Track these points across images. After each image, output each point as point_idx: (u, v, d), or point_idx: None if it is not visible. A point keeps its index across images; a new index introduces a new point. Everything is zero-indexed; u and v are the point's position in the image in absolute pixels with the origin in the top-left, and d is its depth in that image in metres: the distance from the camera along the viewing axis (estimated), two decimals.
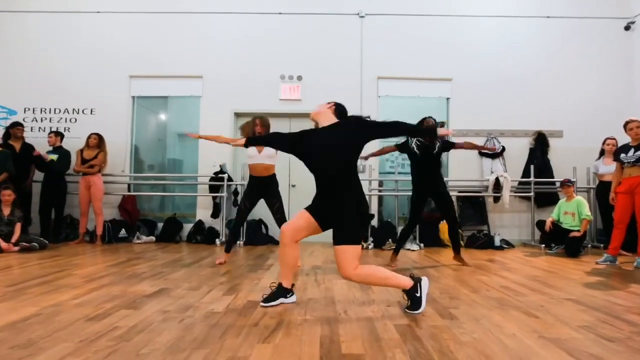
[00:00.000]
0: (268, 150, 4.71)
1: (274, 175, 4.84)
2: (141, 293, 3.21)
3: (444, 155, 5.27)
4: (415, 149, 4.78)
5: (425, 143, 4.77)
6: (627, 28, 7.45)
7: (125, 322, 2.47)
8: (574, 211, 5.98)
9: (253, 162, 4.75)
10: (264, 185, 4.76)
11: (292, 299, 2.99)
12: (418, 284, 2.76)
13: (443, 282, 3.88)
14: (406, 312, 2.75)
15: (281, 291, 2.94)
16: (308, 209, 2.88)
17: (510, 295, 3.31)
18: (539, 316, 2.71)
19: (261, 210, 7.09)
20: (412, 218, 4.91)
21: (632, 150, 4.98)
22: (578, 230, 5.84)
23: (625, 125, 5.08)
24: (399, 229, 6.88)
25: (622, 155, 5.06)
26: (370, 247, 6.54)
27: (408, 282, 2.76)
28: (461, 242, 5.59)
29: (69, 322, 2.45)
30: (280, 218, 4.74)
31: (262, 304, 2.85)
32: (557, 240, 6.14)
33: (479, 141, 7.35)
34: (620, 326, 2.50)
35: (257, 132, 4.75)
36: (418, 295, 2.74)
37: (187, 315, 2.63)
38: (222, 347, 2.09)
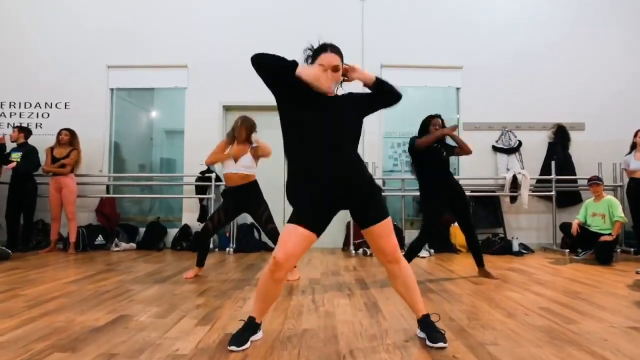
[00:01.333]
0: (245, 160, 4.05)
1: (253, 182, 4.12)
2: (91, 325, 2.53)
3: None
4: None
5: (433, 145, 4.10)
6: None
7: None
8: (604, 212, 5.31)
9: (228, 171, 4.07)
10: (242, 195, 4.06)
11: (259, 334, 2.30)
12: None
13: (467, 301, 3.20)
14: (430, 345, 2.14)
15: (253, 327, 2.25)
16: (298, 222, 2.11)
17: (558, 322, 2.64)
18: (608, 357, 2.03)
19: None
20: (428, 229, 4.18)
21: None
22: (610, 234, 5.17)
23: None
24: (406, 233, 6.24)
25: None
26: (369, 252, 5.87)
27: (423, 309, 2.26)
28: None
29: None
30: (272, 229, 4.03)
31: (230, 347, 2.13)
32: (584, 245, 5.48)
33: (495, 135, 6.72)
34: None
35: (235, 133, 4.18)
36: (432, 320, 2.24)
37: None
38: None
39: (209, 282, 3.89)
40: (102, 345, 2.18)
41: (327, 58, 2.18)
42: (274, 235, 3.96)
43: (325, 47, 2.24)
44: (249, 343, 2.17)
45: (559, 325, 2.56)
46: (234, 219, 4.40)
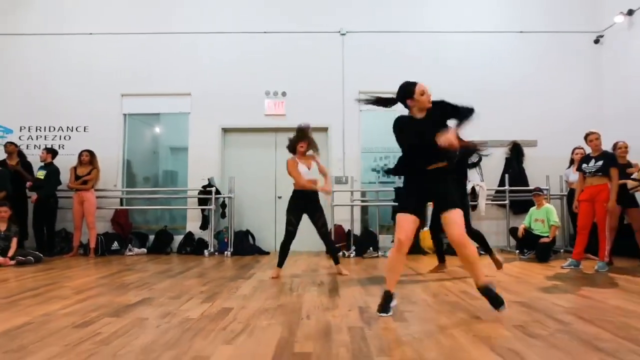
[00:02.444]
0: (315, 169, 4.92)
1: (317, 191, 4.93)
2: (125, 303, 3.50)
3: None
4: None
5: None
6: (596, 41, 7.80)
7: (108, 328, 2.76)
8: (544, 218, 6.29)
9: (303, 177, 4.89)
10: (308, 200, 4.86)
11: (395, 302, 3.15)
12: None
13: (409, 288, 4.17)
14: (495, 311, 3.04)
15: (389, 297, 3.12)
16: (407, 210, 3.09)
17: (466, 299, 3.61)
18: (483, 318, 3.00)
19: (248, 221, 7.43)
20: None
21: (593, 160, 5.29)
22: (548, 236, 6.14)
23: (585, 137, 5.40)
24: (380, 237, 7.20)
25: (584, 165, 5.38)
26: (352, 255, 6.83)
27: (486, 279, 3.13)
28: None
29: (56, 330, 2.73)
30: (324, 232, 4.91)
31: (380, 314, 3.03)
32: (529, 246, 6.44)
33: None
34: (550, 325, 2.80)
35: (299, 148, 4.93)
36: (493, 289, 3.10)
37: (164, 322, 2.92)
38: (189, 348, 2.38)
39: (210, 278, 4.85)
40: (136, 313, 3.15)
41: (422, 86, 3.23)
42: (326, 236, 4.91)
43: (414, 83, 3.27)
44: (391, 310, 3.06)
45: (465, 302, 3.53)
46: (300, 219, 4.92)
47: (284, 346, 2.42)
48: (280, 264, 4.89)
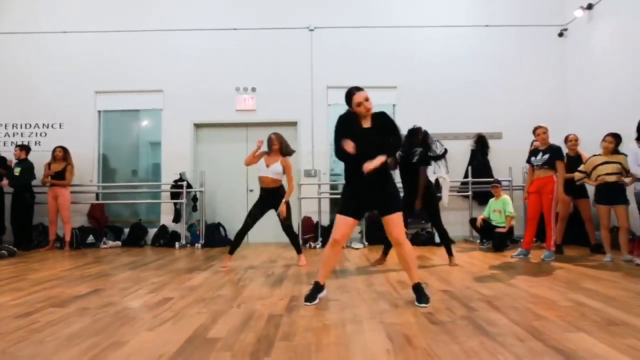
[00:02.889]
0: (275, 167, 5.06)
1: (280, 187, 5.14)
2: (76, 294, 3.72)
3: None
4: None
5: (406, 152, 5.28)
6: (560, 35, 7.95)
7: (46, 318, 2.98)
8: (501, 209, 6.50)
9: (261, 174, 5.10)
10: (271, 196, 5.09)
11: (324, 292, 3.41)
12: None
13: (351, 278, 4.39)
14: (416, 305, 3.19)
15: (319, 288, 3.36)
16: (347, 213, 3.26)
17: (397, 289, 3.83)
18: (399, 305, 3.22)
19: (221, 213, 7.66)
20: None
21: (540, 154, 5.48)
22: (504, 227, 6.36)
23: (534, 131, 5.59)
24: None
25: (532, 158, 5.57)
26: (318, 246, 7.05)
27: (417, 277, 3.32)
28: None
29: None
30: (287, 226, 5.16)
31: (305, 303, 3.26)
32: (488, 237, 6.66)
33: None
34: (458, 312, 3.02)
35: (274, 148, 5.10)
36: (422, 286, 3.30)
37: (103, 311, 3.14)
38: (113, 335, 2.60)
39: (169, 269, 5.07)
40: (80, 304, 3.37)
41: (361, 95, 3.22)
42: (290, 229, 5.16)
43: (356, 88, 3.28)
44: (317, 300, 3.30)
45: (394, 292, 3.74)
46: (263, 214, 5.12)
47: (200, 333, 2.63)
48: (231, 252, 5.14)
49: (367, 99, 3.23)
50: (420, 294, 3.26)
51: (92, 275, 4.63)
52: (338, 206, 3.43)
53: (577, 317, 2.84)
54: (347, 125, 3.28)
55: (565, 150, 6.13)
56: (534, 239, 5.79)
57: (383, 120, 3.29)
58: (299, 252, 5.38)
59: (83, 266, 5.31)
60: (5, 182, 6.96)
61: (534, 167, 5.54)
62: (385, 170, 3.25)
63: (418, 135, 5.34)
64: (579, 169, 5.70)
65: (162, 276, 4.57)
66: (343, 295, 3.60)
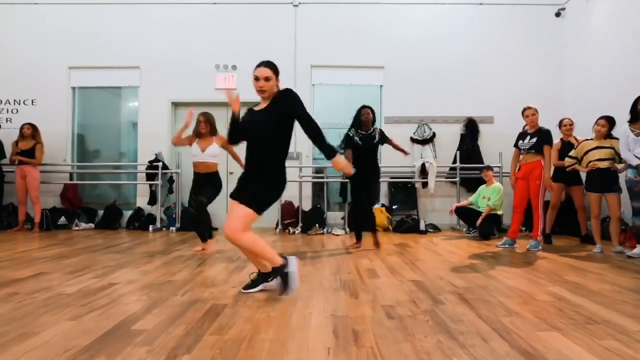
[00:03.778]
0: (212, 150, 4.73)
1: (215, 172, 4.80)
2: (16, 277, 3.43)
3: None
4: (358, 140, 5.03)
5: (365, 133, 5.04)
6: (557, 14, 7.56)
7: None
8: (490, 196, 6.18)
9: (196, 160, 4.75)
10: (205, 181, 4.74)
11: (274, 281, 3.00)
12: (287, 263, 2.88)
13: (319, 266, 4.10)
14: (280, 293, 2.89)
15: (262, 277, 3.07)
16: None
17: (364, 278, 3.53)
18: (360, 297, 2.92)
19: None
20: (357, 204, 5.17)
21: (528, 137, 5.15)
22: (493, 215, 6.07)
23: (522, 112, 5.24)
24: (328, 214, 7.12)
25: (520, 142, 5.24)
26: (297, 232, 6.76)
27: (279, 260, 2.88)
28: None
29: None
30: (200, 202, 4.64)
31: (242, 290, 3.02)
32: (474, 224, 6.35)
33: (413, 127, 7.55)
34: (422, 305, 2.72)
35: (200, 129, 4.75)
36: (286, 272, 2.84)
37: (32, 297, 2.85)
38: (27, 325, 2.30)
39: (131, 253, 4.78)
40: (13, 288, 3.08)
41: (259, 70, 2.82)
42: (200, 211, 4.69)
43: (260, 64, 2.86)
44: (259, 287, 3.05)
45: (359, 280, 3.45)
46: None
47: (126, 324, 2.34)
48: (203, 239, 4.86)
49: (267, 78, 2.83)
50: (284, 278, 2.86)
51: (46, 258, 4.34)
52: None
53: (553, 314, 2.55)
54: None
55: (560, 136, 5.81)
56: (522, 228, 5.48)
57: (285, 101, 2.86)
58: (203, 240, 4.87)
59: (43, 248, 5.03)
60: None
61: (522, 151, 5.22)
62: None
63: (374, 114, 5.20)
64: (569, 154, 5.36)
65: (118, 260, 4.28)
66: (303, 284, 3.30)
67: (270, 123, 2.84)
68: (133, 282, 3.33)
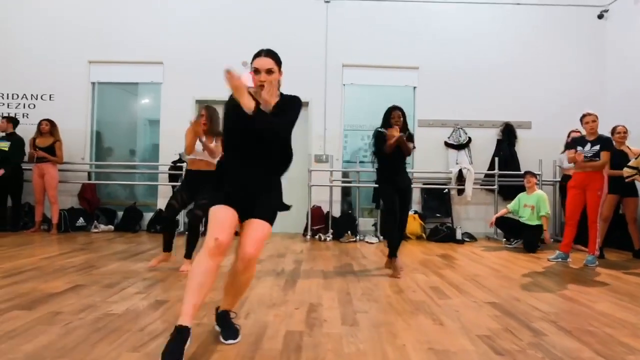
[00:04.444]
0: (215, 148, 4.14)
1: (213, 172, 4.31)
2: (50, 291, 3.11)
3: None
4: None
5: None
6: (600, 16, 7.24)
7: (6, 326, 2.37)
8: (534, 204, 5.87)
9: (193, 157, 4.21)
10: (202, 181, 4.11)
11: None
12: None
13: (375, 281, 3.78)
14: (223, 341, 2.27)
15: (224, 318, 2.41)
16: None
17: (434, 297, 3.21)
18: (446, 324, 2.60)
19: None
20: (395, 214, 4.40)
21: (589, 144, 4.83)
22: (538, 226, 5.77)
23: (581, 119, 4.94)
24: (359, 221, 6.80)
25: (579, 148, 4.92)
26: (329, 238, 6.44)
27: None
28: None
29: None
30: (195, 217, 4.16)
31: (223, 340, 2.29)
32: (516, 235, 6.04)
33: (447, 132, 7.25)
34: (523, 336, 2.40)
35: (202, 123, 4.17)
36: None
37: (78, 318, 2.53)
38: (86, 356, 1.99)
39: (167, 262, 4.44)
40: (53, 305, 2.76)
41: (260, 62, 2.26)
42: (198, 219, 4.16)
43: (259, 52, 2.32)
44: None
45: (431, 300, 3.13)
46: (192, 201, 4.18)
47: (198, 357, 2.02)
48: (187, 255, 4.10)
49: (269, 71, 2.24)
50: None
51: (75, 267, 4.01)
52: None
53: None
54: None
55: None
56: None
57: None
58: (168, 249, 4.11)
59: (67, 254, 4.69)
60: (1, 171, 6.31)
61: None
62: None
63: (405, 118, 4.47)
64: (628, 164, 5.04)
65: (155, 270, 3.95)
66: (372, 304, 2.99)
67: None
68: (182, 300, 2.99)
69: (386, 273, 4.10)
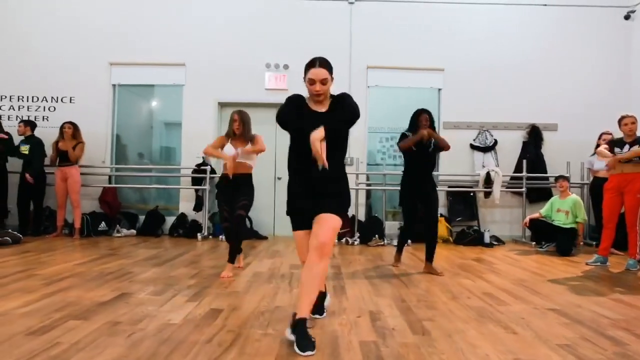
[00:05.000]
0: (247, 148, 4.10)
1: (250, 175, 4.22)
2: (98, 299, 3.02)
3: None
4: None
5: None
6: (627, 17, 7.18)
7: (69, 337, 2.28)
8: (568, 209, 5.79)
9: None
10: (237, 185, 4.10)
11: (328, 299, 2.84)
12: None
13: (423, 286, 3.69)
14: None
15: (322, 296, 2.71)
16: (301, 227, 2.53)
17: (492, 304, 3.13)
18: (518, 332, 2.52)
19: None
20: (411, 217, 4.61)
21: (627, 146, 4.76)
22: (572, 229, 5.69)
23: (620, 121, 4.86)
24: (386, 224, 6.72)
25: (617, 149, 4.84)
26: (356, 242, 6.36)
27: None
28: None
29: (7, 337, 2.26)
30: (239, 217, 4.03)
31: (312, 315, 2.56)
32: (548, 238, 5.96)
33: (473, 134, 7.18)
34: (604, 345, 2.32)
35: (235, 129, 4.15)
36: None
37: (139, 328, 2.44)
38: None
39: (201, 267, 4.37)
40: (108, 315, 2.67)
41: (315, 72, 2.38)
42: (242, 219, 4.08)
43: (314, 62, 2.40)
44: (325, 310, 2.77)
45: (490, 307, 3.04)
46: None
47: None
48: (230, 259, 4.03)
49: (324, 81, 2.40)
50: (302, 335, 2.21)
51: (113, 273, 3.92)
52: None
53: None
54: (299, 105, 2.49)
55: None
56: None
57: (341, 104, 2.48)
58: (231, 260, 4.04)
59: (99, 260, 4.61)
60: (29, 178, 6.24)
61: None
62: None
63: (433, 122, 4.45)
64: None
65: (195, 277, 3.86)
66: (432, 312, 2.90)
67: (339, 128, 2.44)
68: (237, 308, 2.92)
69: (430, 278, 4.02)
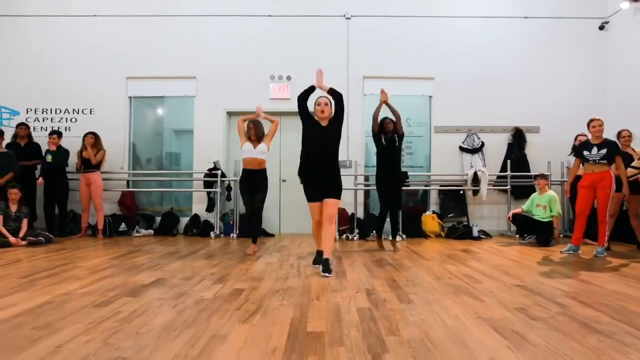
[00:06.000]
0: (262, 147, 5.34)
1: (265, 170, 5.42)
2: (140, 283, 3.62)
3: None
4: (382, 140, 5.75)
5: (388, 136, 5.74)
6: (601, 28, 7.80)
7: (127, 307, 2.88)
8: (546, 204, 6.39)
9: (248, 155, 5.31)
10: (255, 178, 5.32)
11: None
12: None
13: (412, 271, 4.30)
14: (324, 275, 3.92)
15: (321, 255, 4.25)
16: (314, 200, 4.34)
17: (469, 282, 3.73)
18: (485, 300, 3.12)
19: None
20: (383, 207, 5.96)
21: (595, 148, 5.36)
22: (550, 222, 6.28)
23: (588, 123, 5.46)
24: None
25: (585, 152, 5.44)
26: (355, 238, 6.96)
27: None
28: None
29: (78, 308, 2.86)
30: (259, 208, 5.40)
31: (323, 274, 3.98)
32: (529, 231, 6.56)
33: (461, 137, 7.78)
34: (550, 308, 2.92)
35: (251, 135, 5.37)
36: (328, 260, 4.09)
37: (180, 302, 3.05)
38: (207, 327, 2.50)
39: (218, 259, 4.97)
40: (152, 293, 3.27)
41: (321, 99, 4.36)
42: (258, 211, 5.42)
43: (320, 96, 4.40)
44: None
45: (467, 284, 3.65)
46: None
47: (297, 325, 2.54)
48: (253, 240, 5.47)
49: (327, 104, 4.35)
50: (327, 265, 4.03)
51: (144, 265, 4.53)
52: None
53: None
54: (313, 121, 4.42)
55: None
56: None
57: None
58: (254, 241, 5.48)
59: (127, 255, 5.21)
60: (40, 180, 6.84)
61: (588, 162, 5.42)
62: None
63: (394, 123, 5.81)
64: (632, 164, 5.58)
65: (215, 266, 4.47)
66: (418, 288, 3.50)
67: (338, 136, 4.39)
68: (256, 288, 3.52)
69: (419, 264, 4.63)
